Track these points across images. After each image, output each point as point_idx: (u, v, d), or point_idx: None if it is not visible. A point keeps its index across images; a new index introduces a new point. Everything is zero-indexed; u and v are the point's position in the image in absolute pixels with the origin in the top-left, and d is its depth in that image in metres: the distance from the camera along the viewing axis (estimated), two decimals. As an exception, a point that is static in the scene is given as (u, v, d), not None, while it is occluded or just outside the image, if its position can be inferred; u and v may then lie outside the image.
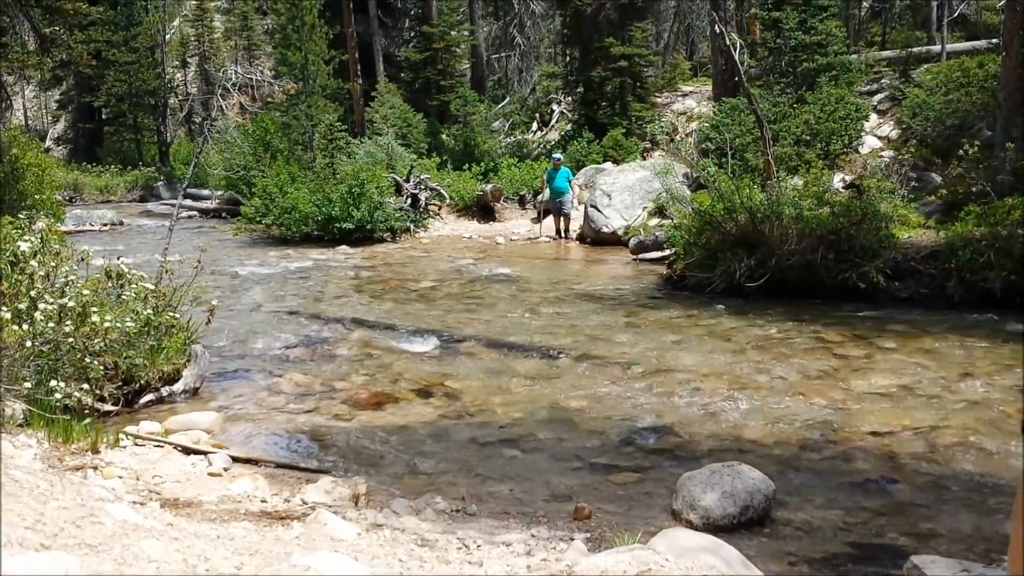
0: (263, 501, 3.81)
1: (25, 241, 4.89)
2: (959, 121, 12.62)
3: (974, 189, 10.33)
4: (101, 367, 4.96)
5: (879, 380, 5.86)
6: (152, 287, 5.57)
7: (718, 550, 3.04)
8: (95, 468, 3.93)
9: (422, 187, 15.67)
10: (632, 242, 12.47)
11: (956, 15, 18.69)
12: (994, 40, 14.92)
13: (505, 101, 24.51)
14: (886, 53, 17.86)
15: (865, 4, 22.96)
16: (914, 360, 6.34)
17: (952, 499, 4.03)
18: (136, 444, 4.45)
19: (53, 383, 4.32)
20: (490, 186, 16.27)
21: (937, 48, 16.51)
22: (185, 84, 33.63)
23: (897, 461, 4.49)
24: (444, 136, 20.94)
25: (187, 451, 4.44)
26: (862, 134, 14.78)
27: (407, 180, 15.67)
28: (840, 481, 4.26)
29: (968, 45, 16.28)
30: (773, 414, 5.23)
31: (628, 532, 3.35)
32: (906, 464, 4.45)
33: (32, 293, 4.59)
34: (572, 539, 3.44)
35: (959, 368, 6.07)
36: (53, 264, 4.99)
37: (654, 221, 13.34)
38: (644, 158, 17.41)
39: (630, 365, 6.33)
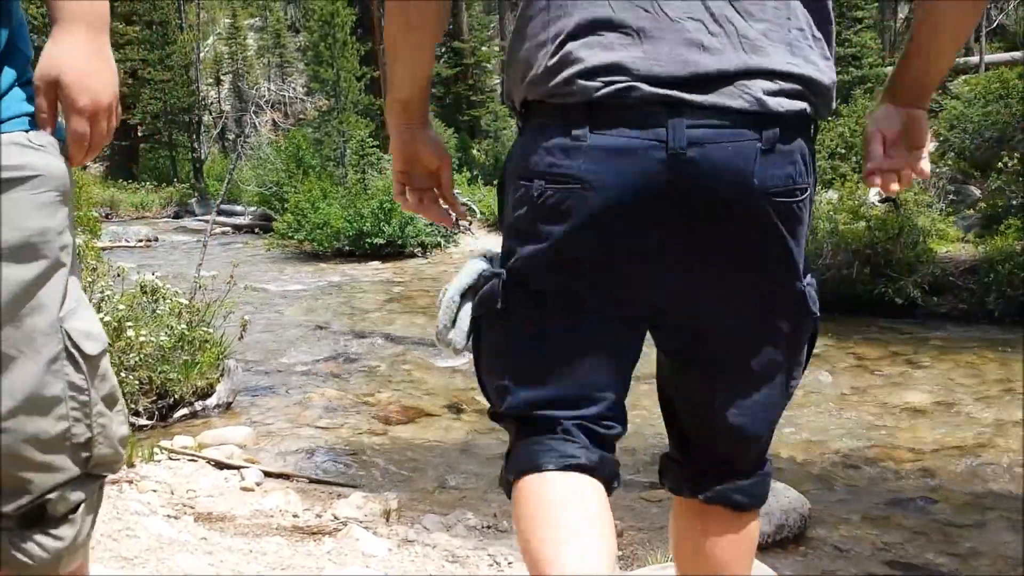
0: (295, 516, 3.82)
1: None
2: (998, 133, 12.43)
3: (1014, 202, 10.16)
4: (136, 382, 5.01)
5: (917, 397, 5.76)
6: (186, 302, 5.63)
7: (754, 570, 3.00)
8: (130, 482, 3.97)
9: (451, 202, 15.72)
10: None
11: (995, 25, 18.47)
12: (1033, 51, 14.72)
13: (536, 116, 24.55)
14: (922, 65, 17.67)
15: (901, 16, 22.77)
16: (953, 376, 6.23)
17: (994, 519, 3.95)
18: (170, 458, 4.49)
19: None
20: (521, 201, 16.28)
21: (975, 59, 16.32)
22: (219, 101, 34.08)
23: (936, 479, 4.41)
24: (475, 151, 21.05)
25: (220, 465, 4.47)
26: (897, 147, 14.63)
27: (438, 195, 15.73)
28: (878, 500, 4.19)
29: (1007, 56, 16.08)
30: (808, 431, 5.15)
31: (661, 550, 3.31)
32: (945, 483, 4.36)
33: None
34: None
35: (1000, 384, 5.95)
36: (90, 280, 5.05)
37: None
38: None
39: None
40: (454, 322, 1.33)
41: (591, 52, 1.12)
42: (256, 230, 19.22)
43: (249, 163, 22.32)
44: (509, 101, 1.29)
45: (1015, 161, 10.32)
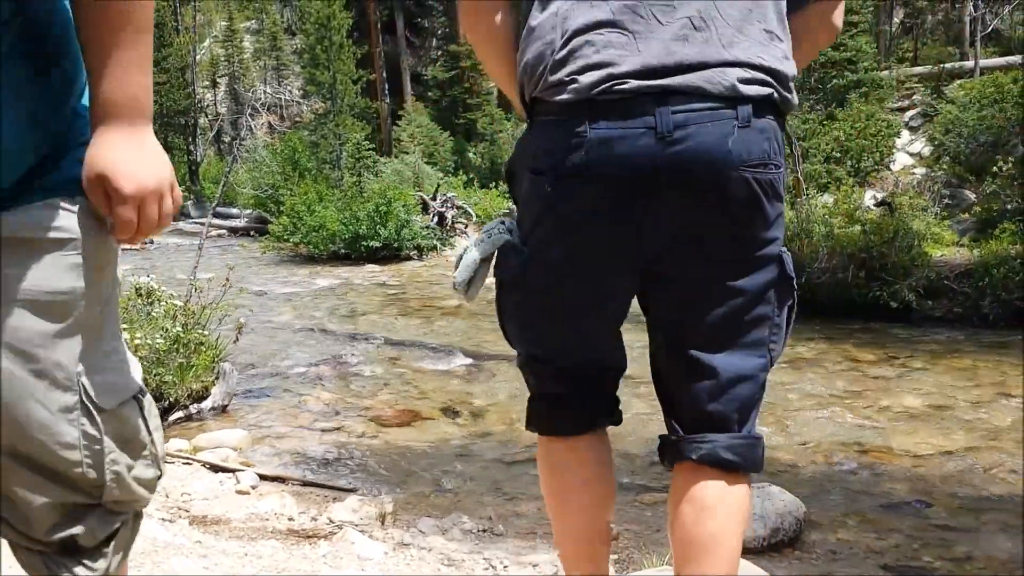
0: (290, 519, 3.81)
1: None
2: (993, 137, 12.47)
3: (1009, 206, 10.20)
4: (131, 384, 5.00)
5: (912, 400, 5.77)
6: (181, 305, 5.62)
7: (748, 572, 2.99)
8: (124, 485, 3.95)
9: (449, 205, 15.74)
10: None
11: (989, 30, 18.51)
12: (1028, 55, 14.76)
13: (532, 119, 24.56)
14: (918, 69, 17.72)
15: (896, 20, 22.83)
16: (948, 380, 6.24)
17: (988, 522, 3.95)
18: (165, 461, 4.47)
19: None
20: (517, 204, 16.28)
21: (970, 64, 16.36)
22: (215, 104, 34.04)
23: (931, 483, 4.41)
24: (471, 154, 21.06)
25: (215, 469, 4.46)
26: (894, 151, 14.66)
27: (434, 198, 15.75)
28: (873, 503, 4.19)
29: (1002, 60, 16.11)
30: (804, 435, 5.16)
31: (656, 554, 3.31)
32: (940, 486, 4.37)
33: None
34: (600, 560, 3.40)
35: (994, 388, 5.97)
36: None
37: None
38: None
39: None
40: (470, 281, 1.57)
41: (592, 48, 1.32)
42: (252, 233, 19.21)
43: (245, 166, 22.30)
44: (520, 98, 1.50)
45: (1010, 165, 10.35)
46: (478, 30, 1.52)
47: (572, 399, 1.57)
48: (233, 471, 4.42)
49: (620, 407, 1.63)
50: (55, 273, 1.13)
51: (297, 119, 30.74)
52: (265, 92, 33.44)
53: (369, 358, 7.44)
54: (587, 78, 1.31)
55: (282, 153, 19.53)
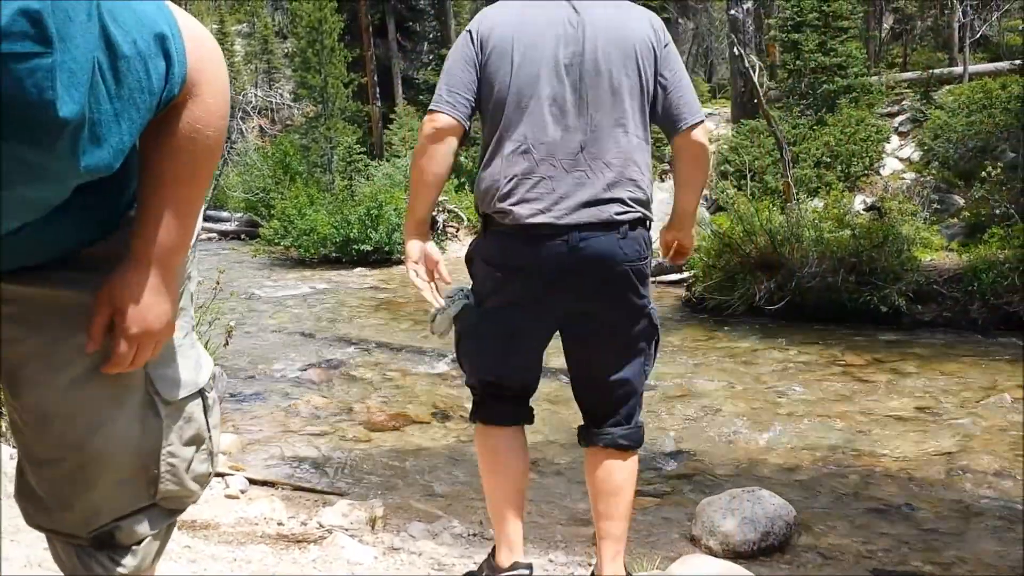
0: (280, 524, 3.80)
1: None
2: (982, 143, 12.54)
3: (997, 211, 10.25)
4: (120, 388, 4.97)
5: (901, 404, 5.79)
6: (171, 308, 5.58)
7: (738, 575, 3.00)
8: (113, 489, 3.92)
9: (440, 209, 15.72)
10: (650, 264, 12.39)
11: (978, 36, 18.63)
12: (1017, 61, 14.86)
13: (523, 123, 24.51)
14: (907, 75, 17.80)
15: (886, 25, 22.93)
16: (937, 384, 6.26)
17: (977, 525, 3.96)
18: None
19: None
20: (508, 208, 16.25)
21: (959, 69, 16.45)
22: (206, 107, 33.82)
23: (920, 487, 4.43)
24: (462, 158, 21.02)
25: (204, 473, 4.43)
26: (883, 156, 14.71)
27: (425, 202, 15.70)
28: (862, 507, 4.20)
29: (991, 66, 16.20)
30: (794, 438, 5.17)
31: (647, 558, 3.31)
32: (929, 490, 4.38)
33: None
34: (590, 564, 3.40)
35: (983, 392, 5.99)
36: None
37: (672, 243, 13.24)
38: (662, 180, 17.42)
39: (649, 388, 6.29)
40: (443, 331, 2.40)
41: (525, 190, 2.19)
42: (242, 236, 19.15)
43: (236, 169, 22.23)
44: (477, 211, 2.36)
45: (998, 170, 10.40)
46: (429, 169, 2.30)
47: (508, 402, 2.41)
48: (222, 475, 4.39)
49: (533, 412, 2.53)
50: None
51: (288, 122, 30.67)
52: (256, 95, 33.35)
53: (359, 362, 7.43)
54: (522, 210, 2.17)
55: (273, 156, 19.49)
